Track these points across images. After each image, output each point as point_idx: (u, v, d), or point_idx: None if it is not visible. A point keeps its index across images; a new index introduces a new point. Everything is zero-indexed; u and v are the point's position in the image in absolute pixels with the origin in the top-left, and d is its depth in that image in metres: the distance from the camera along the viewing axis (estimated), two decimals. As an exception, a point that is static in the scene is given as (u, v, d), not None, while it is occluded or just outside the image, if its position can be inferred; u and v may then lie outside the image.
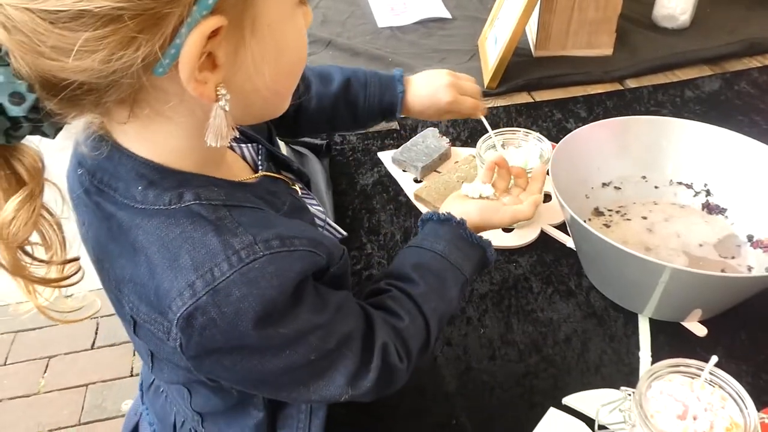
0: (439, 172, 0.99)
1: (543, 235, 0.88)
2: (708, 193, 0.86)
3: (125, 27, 0.35)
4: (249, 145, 0.59)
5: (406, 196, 0.96)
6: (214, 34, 0.38)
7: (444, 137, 1.02)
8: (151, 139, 0.45)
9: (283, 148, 1.05)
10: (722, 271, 0.78)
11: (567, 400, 0.68)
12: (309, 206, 0.62)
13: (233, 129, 0.44)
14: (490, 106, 1.15)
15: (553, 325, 0.77)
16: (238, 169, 0.56)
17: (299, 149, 1.01)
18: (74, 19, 0.34)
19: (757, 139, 0.81)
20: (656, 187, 0.88)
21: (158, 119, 0.44)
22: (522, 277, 0.83)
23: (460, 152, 1.03)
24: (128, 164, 0.45)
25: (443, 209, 0.66)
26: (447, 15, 1.43)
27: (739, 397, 0.56)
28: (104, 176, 0.46)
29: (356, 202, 0.96)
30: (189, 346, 0.44)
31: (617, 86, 1.20)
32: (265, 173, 0.56)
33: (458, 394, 0.70)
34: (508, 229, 0.89)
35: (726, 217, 0.85)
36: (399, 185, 0.98)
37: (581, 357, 0.73)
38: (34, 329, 1.87)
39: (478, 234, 0.65)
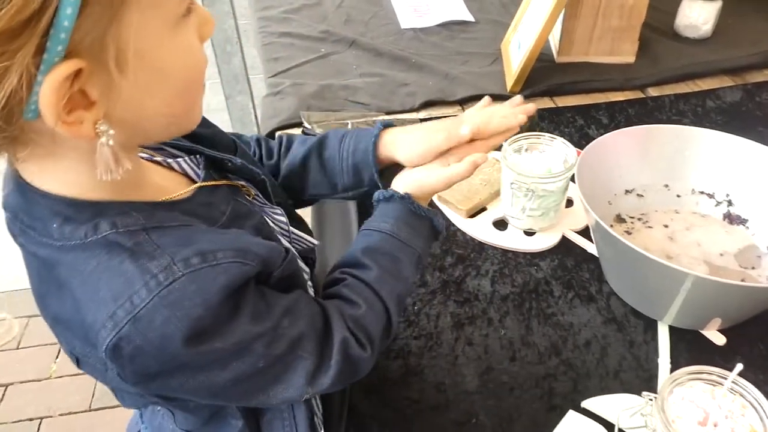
0: (462, 174, 0.99)
1: (564, 239, 0.89)
2: (730, 203, 0.87)
3: None
4: (187, 157, 0.57)
5: (428, 196, 0.97)
6: (77, 75, 0.38)
7: (467, 139, 1.03)
8: (56, 175, 0.45)
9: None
10: (742, 281, 0.79)
11: (586, 404, 0.69)
12: (269, 213, 0.61)
13: (126, 158, 0.43)
14: (511, 109, 1.16)
15: (573, 329, 0.78)
16: (171, 186, 0.54)
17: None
18: None
19: (779, 151, 0.82)
20: (678, 196, 0.89)
21: (53, 157, 0.43)
22: (543, 281, 0.84)
23: (482, 155, 1.04)
24: (42, 203, 0.45)
25: (392, 186, 0.66)
26: (470, 18, 1.44)
27: (760, 405, 0.57)
28: (24, 217, 0.46)
29: (379, 200, 0.97)
30: (126, 375, 0.44)
31: (639, 94, 1.21)
32: (201, 184, 0.54)
33: (478, 393, 0.71)
34: (529, 233, 0.90)
35: (747, 227, 0.85)
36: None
37: (600, 361, 0.74)
38: (47, 315, 1.89)
39: (427, 203, 0.64)
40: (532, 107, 0.71)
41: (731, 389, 0.58)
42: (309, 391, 0.52)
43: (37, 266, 0.47)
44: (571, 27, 1.22)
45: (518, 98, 0.73)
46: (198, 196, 0.53)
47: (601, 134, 0.86)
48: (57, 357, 1.78)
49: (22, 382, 1.73)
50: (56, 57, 0.36)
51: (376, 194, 0.65)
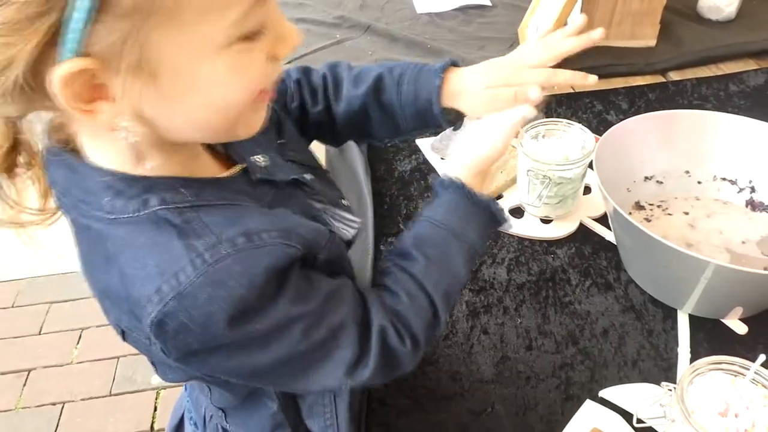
0: (478, 161, 0.98)
1: (582, 227, 0.88)
2: (752, 189, 0.85)
3: None
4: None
5: (444, 183, 0.96)
6: (93, 72, 0.39)
7: (483, 126, 1.02)
8: (110, 150, 0.46)
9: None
10: (765, 269, 0.78)
11: (604, 393, 0.68)
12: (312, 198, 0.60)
13: (152, 155, 0.44)
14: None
15: (590, 317, 0.77)
16: (217, 165, 0.54)
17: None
18: None
19: (806, 136, 0.80)
20: (699, 183, 0.87)
21: (110, 134, 0.44)
22: (560, 269, 0.83)
23: (499, 141, 1.03)
24: (95, 177, 0.46)
25: (451, 163, 0.61)
26: (487, 2, 1.42)
27: (783, 396, 0.56)
28: (76, 192, 0.47)
29: (394, 188, 0.96)
30: (169, 350, 0.45)
31: (660, 78, 1.18)
32: (244, 166, 0.54)
33: (494, 383, 0.71)
34: (546, 221, 0.89)
35: (770, 215, 0.84)
36: (437, 173, 0.98)
37: (618, 351, 0.73)
38: (67, 301, 1.92)
39: (483, 186, 0.60)
40: (596, 36, 0.63)
41: (753, 380, 0.57)
42: (348, 382, 0.51)
43: (88, 239, 0.47)
44: (590, 10, 1.20)
45: (574, 27, 0.63)
46: (243, 176, 0.53)
47: (621, 120, 0.84)
48: (78, 342, 1.81)
49: (44, 367, 1.76)
50: (69, 53, 0.38)
51: (433, 180, 0.62)
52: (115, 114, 0.42)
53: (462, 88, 0.64)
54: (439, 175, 0.96)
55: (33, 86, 0.39)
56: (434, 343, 0.58)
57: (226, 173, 0.52)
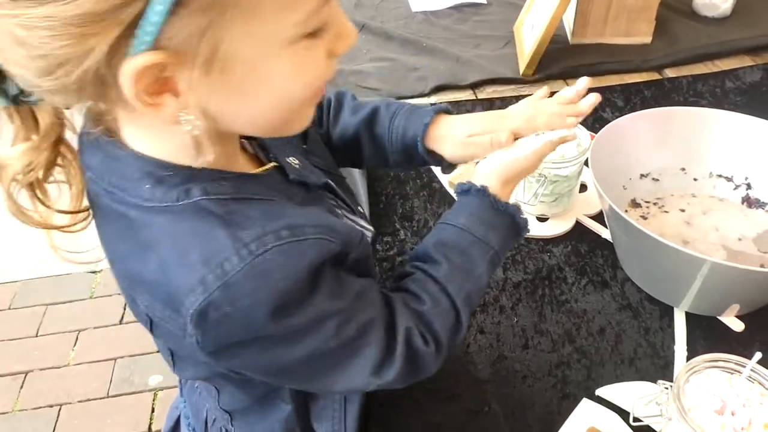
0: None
1: (578, 225, 0.88)
2: (748, 186, 0.85)
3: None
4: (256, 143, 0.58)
5: (439, 182, 0.96)
6: (164, 65, 0.39)
7: (479, 124, 1.02)
8: (154, 139, 0.46)
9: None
10: (761, 266, 0.77)
11: (601, 392, 0.68)
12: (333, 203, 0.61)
13: (210, 149, 0.44)
14: (525, 94, 1.14)
15: (587, 316, 0.77)
16: (249, 163, 0.55)
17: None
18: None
19: (801, 132, 0.80)
20: (695, 180, 0.87)
21: (155, 124, 0.44)
22: (556, 267, 0.83)
23: (495, 139, 1.02)
24: (135, 164, 0.46)
25: (477, 170, 0.63)
26: (482, 0, 1.42)
27: (779, 394, 0.56)
28: (112, 178, 0.47)
29: (390, 187, 0.96)
30: (206, 342, 0.45)
31: (655, 76, 1.18)
32: (275, 164, 0.55)
33: (491, 382, 0.70)
34: (542, 219, 0.88)
35: (766, 211, 0.84)
36: (433, 172, 0.98)
37: (615, 349, 0.73)
38: (64, 303, 1.91)
39: (509, 194, 0.62)
40: (584, 106, 0.68)
41: (749, 377, 0.57)
42: (374, 382, 0.51)
43: (121, 226, 0.47)
44: (585, 7, 1.20)
45: (571, 91, 0.68)
46: (275, 175, 0.54)
47: (616, 117, 0.84)
48: (75, 344, 1.80)
49: (41, 369, 1.75)
50: (143, 46, 0.38)
51: (457, 185, 0.63)
52: (179, 108, 0.42)
53: (446, 133, 0.67)
54: (437, 174, 0.96)
55: (103, 78, 0.39)
56: (456, 347, 0.58)
57: (260, 170, 0.53)
